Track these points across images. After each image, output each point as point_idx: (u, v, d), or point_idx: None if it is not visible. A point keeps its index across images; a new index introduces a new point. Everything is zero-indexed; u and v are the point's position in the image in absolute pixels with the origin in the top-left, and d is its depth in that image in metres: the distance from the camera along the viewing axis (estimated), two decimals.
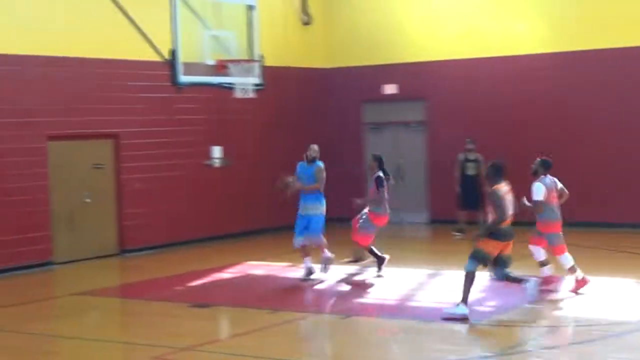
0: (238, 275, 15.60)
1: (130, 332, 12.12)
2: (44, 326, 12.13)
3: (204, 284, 14.75)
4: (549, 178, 13.09)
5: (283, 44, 21.16)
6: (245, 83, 18.08)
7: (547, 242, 13.06)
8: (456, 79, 21.07)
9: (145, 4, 17.79)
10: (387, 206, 14.68)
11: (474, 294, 11.64)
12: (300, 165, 14.59)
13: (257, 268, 16.05)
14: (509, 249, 11.51)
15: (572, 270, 12.91)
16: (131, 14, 17.56)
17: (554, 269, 13.31)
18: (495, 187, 11.51)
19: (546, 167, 13.11)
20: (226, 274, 15.53)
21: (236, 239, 19.48)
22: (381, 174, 14.65)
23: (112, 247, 17.99)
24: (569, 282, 13.08)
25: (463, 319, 11.16)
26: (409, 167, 21.59)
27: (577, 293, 12.72)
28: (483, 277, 12.41)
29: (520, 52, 20.36)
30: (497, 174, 11.63)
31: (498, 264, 11.51)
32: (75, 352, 10.72)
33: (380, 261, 14.77)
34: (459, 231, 19.09)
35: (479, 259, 11.29)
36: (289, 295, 13.78)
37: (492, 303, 12.52)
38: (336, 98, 22.49)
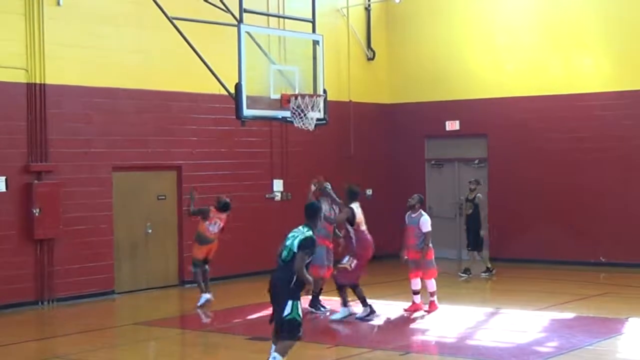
0: None
1: None
2: (105, 355, 12.29)
3: (262, 317, 14.79)
4: None
5: (347, 79, 21.31)
6: (308, 118, 18.15)
7: (421, 270, 14.69)
8: (518, 116, 20.99)
9: (212, 38, 18.04)
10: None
11: (533, 334, 11.52)
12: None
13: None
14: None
15: (432, 294, 14.72)
16: (197, 47, 17.83)
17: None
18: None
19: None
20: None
21: None
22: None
23: (172, 278, 18.18)
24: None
25: None
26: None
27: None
28: (544, 316, 12.28)
29: (585, 90, 20.22)
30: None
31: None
32: None
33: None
34: (464, 272, 19.10)
35: None
36: (349, 330, 13.75)
37: (553, 343, 12.38)
38: (398, 133, 22.54)
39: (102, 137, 16.98)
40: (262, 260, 19.22)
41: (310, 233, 9.95)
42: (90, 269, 16.66)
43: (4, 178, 15.72)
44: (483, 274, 19.14)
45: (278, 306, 9.77)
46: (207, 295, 15.95)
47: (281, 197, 19.92)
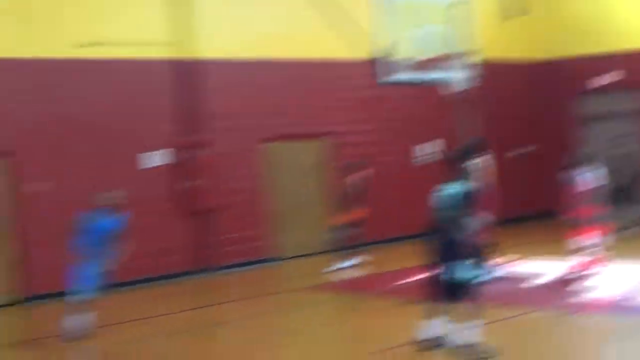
0: None
1: (348, 327, 12.24)
2: (268, 320, 12.50)
3: (420, 280, 14.48)
4: None
5: (497, 37, 20.80)
6: (456, 78, 17.86)
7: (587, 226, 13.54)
8: None
9: (350, 3, 17.93)
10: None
11: None
12: None
13: None
14: None
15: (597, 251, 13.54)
16: (335, 13, 17.79)
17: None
18: None
19: None
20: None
21: None
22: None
23: (326, 244, 18.23)
24: None
25: None
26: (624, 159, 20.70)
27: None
28: None
29: None
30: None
31: None
32: (296, 346, 10.89)
33: None
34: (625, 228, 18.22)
35: None
36: (513, 291, 13.52)
37: None
38: (551, 90, 21.89)
39: (252, 108, 17.17)
40: (414, 223, 19.08)
41: (467, 186, 9.62)
42: (249, 238, 17.01)
43: (161, 152, 16.10)
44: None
45: (445, 268, 9.48)
46: (352, 261, 16.06)
47: (429, 160, 19.71)
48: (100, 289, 11.51)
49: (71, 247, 11.35)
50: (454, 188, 9.59)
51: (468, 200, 9.48)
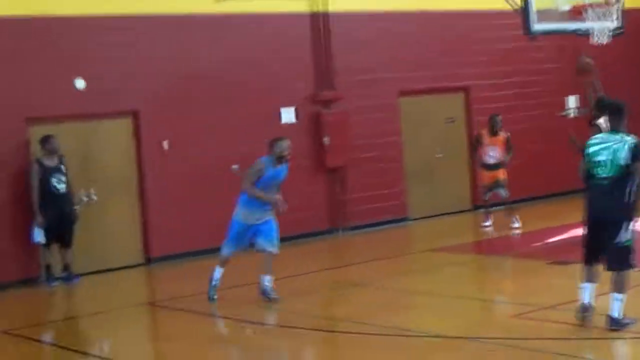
0: None
1: (487, 289, 12.07)
2: (402, 281, 12.37)
3: (561, 241, 14.20)
4: None
5: None
6: (602, 28, 17.05)
7: None
8: None
9: None
10: None
11: None
12: None
13: None
14: None
15: None
16: None
17: None
18: None
19: None
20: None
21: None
22: None
23: (465, 203, 17.93)
24: None
25: None
26: None
27: None
28: None
29: None
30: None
31: None
32: (432, 307, 10.76)
33: None
34: None
35: None
36: None
37: None
38: None
39: (387, 62, 16.97)
40: (559, 180, 18.53)
41: (634, 138, 8.74)
42: (382, 197, 16.80)
43: (293, 109, 15.99)
44: None
45: (605, 231, 8.71)
46: (490, 221, 15.96)
47: (575, 114, 18.97)
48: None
49: (243, 195, 11.11)
50: (616, 139, 8.75)
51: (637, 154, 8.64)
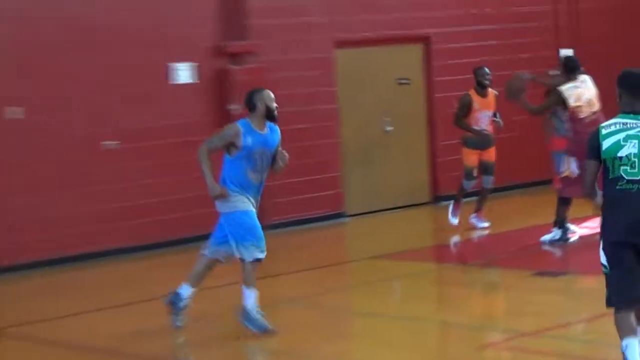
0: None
1: (450, 309, 12.22)
2: (336, 299, 12.60)
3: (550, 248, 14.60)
4: None
5: None
6: None
7: None
8: None
9: None
10: None
11: None
12: None
13: None
14: None
15: None
16: None
17: None
18: None
19: None
20: (584, 230, 15.17)
21: None
22: None
23: (422, 194, 18.23)
24: None
25: None
26: None
27: None
28: None
29: None
30: None
31: None
32: (377, 334, 10.91)
33: None
34: None
35: None
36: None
37: None
38: None
39: (319, 1, 17.04)
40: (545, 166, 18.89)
41: None
42: (311, 185, 16.96)
43: (190, 65, 16.13)
44: None
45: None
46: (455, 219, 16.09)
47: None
48: None
49: None
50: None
51: None
